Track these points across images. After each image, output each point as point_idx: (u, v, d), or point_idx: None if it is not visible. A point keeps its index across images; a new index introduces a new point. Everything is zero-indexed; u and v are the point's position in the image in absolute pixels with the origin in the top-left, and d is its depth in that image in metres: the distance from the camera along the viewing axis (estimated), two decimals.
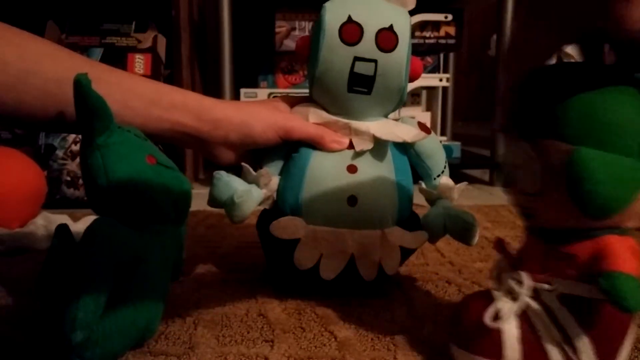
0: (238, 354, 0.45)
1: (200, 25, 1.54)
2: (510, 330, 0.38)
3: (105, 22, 1.25)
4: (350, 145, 0.56)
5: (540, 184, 0.37)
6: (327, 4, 0.55)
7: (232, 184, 0.54)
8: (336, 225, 0.54)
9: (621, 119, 0.34)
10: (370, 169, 0.56)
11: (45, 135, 1.11)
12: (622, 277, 0.33)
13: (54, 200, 1.06)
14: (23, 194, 0.78)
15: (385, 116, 0.59)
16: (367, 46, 0.53)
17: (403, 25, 0.54)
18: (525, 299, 0.38)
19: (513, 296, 0.39)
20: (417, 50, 1.39)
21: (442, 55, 1.50)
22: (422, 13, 1.30)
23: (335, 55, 0.53)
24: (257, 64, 1.41)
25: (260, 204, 0.56)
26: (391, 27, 0.54)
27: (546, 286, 0.38)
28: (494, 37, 1.50)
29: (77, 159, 1.10)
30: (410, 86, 1.28)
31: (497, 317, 0.38)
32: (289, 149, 0.58)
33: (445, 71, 1.60)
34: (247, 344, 0.46)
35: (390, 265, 0.55)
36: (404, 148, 0.59)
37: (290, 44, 1.33)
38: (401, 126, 0.58)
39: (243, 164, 0.57)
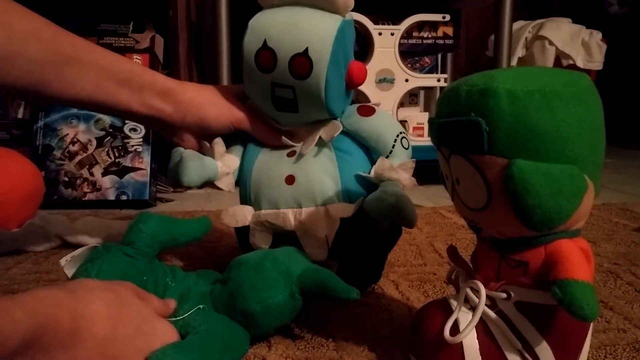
0: None
1: (198, 26, 1.54)
2: (470, 342, 0.38)
3: (103, 22, 1.25)
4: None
5: (484, 199, 0.35)
6: (251, 22, 0.54)
7: (182, 150, 0.56)
8: (278, 206, 0.55)
9: (550, 125, 0.32)
10: (311, 153, 0.56)
11: (42, 136, 1.10)
12: (576, 285, 0.32)
13: (52, 201, 1.06)
14: (21, 194, 0.78)
15: None
16: (281, 73, 0.52)
17: (320, 46, 0.51)
18: (483, 308, 0.37)
19: (470, 304, 0.39)
20: (415, 50, 1.39)
21: (439, 56, 1.50)
22: (419, 13, 1.30)
23: (256, 81, 0.54)
24: None
25: (218, 181, 0.57)
26: (306, 51, 0.52)
27: (502, 295, 0.37)
28: (492, 37, 1.51)
29: (75, 159, 1.10)
30: (408, 86, 1.30)
31: (455, 325, 0.38)
32: (245, 139, 0.60)
33: (443, 71, 1.60)
34: None
35: (332, 238, 0.54)
36: (348, 134, 0.57)
37: None
38: (328, 126, 0.56)
39: (202, 141, 0.59)
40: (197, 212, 1.00)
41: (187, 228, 0.53)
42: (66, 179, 1.09)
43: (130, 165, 1.11)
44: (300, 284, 0.45)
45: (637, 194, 1.22)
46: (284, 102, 0.55)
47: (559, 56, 1.74)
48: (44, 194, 0.85)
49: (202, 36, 1.58)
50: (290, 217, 0.55)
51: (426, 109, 1.48)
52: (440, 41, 1.38)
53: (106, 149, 1.12)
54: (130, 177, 1.11)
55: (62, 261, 0.45)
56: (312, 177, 0.55)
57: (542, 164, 0.32)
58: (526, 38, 1.77)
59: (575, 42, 1.72)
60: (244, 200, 0.58)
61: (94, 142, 1.12)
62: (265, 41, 0.52)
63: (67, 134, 1.11)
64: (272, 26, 0.53)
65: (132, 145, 1.12)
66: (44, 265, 0.69)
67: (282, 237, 0.55)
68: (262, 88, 0.54)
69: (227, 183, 0.58)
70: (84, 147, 1.11)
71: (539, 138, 0.32)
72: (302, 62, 0.52)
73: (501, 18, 1.31)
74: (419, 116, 1.38)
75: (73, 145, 1.11)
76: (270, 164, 0.57)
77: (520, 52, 1.77)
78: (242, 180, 0.59)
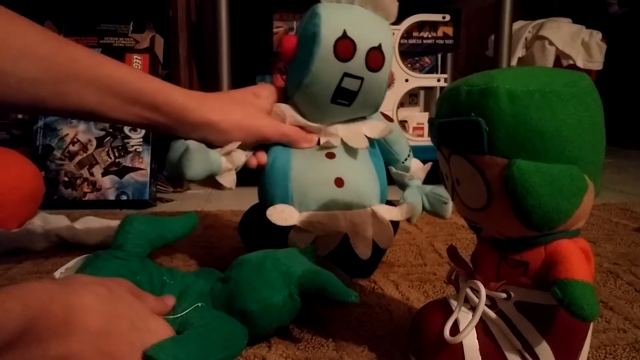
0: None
1: (198, 26, 1.54)
2: (470, 342, 0.38)
3: (103, 22, 1.25)
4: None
5: (484, 200, 0.35)
6: (321, 13, 0.54)
7: (187, 142, 0.54)
8: (328, 208, 0.56)
9: (550, 125, 0.32)
10: (346, 155, 0.58)
11: (42, 136, 1.10)
12: (576, 286, 0.32)
13: (52, 201, 1.06)
14: (21, 194, 0.78)
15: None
16: (357, 64, 0.54)
17: (389, 44, 0.56)
18: (483, 308, 0.38)
19: (470, 304, 0.39)
20: (415, 50, 1.39)
21: (439, 56, 1.50)
22: (419, 13, 1.30)
23: (327, 69, 0.54)
24: (255, 65, 1.41)
25: (219, 177, 0.56)
26: (380, 46, 0.55)
27: (502, 295, 0.37)
28: (492, 37, 1.50)
29: (75, 159, 1.10)
30: (408, 86, 1.30)
31: (455, 325, 0.38)
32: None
33: (443, 71, 1.60)
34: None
35: (384, 240, 0.58)
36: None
37: None
38: (368, 123, 0.60)
39: None
40: (197, 212, 1.00)
41: (174, 225, 0.52)
42: (66, 179, 1.09)
43: (130, 165, 1.11)
44: (300, 285, 0.45)
45: (637, 194, 1.22)
46: (345, 94, 0.56)
47: (559, 56, 1.74)
48: (44, 194, 0.85)
49: (202, 36, 1.58)
50: (340, 218, 0.56)
51: (426, 109, 1.48)
52: (440, 41, 1.38)
53: (106, 149, 1.12)
54: (130, 177, 1.11)
55: (57, 274, 0.46)
56: (359, 180, 0.58)
57: (542, 164, 0.32)
58: (526, 38, 1.77)
59: (575, 42, 1.72)
60: (280, 201, 0.57)
61: (94, 142, 1.12)
62: (345, 31, 0.53)
63: (67, 134, 1.11)
64: (348, 19, 0.54)
65: (132, 145, 1.12)
66: (44, 265, 0.69)
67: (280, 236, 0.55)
68: (331, 76, 0.54)
69: (229, 180, 0.57)
70: (84, 147, 1.11)
71: (539, 138, 0.32)
72: (377, 56, 0.55)
73: (501, 18, 1.31)
74: (419, 116, 1.38)
75: (73, 145, 1.11)
76: (313, 167, 0.57)
77: (520, 52, 1.77)
78: (274, 182, 0.58)
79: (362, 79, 0.55)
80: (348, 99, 0.56)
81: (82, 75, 0.50)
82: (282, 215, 0.55)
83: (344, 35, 0.53)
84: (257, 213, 0.58)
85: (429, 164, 0.65)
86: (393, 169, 0.64)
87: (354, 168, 0.58)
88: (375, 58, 0.55)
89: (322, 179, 0.56)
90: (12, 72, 0.47)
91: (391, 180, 0.64)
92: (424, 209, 0.62)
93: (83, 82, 0.50)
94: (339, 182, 0.56)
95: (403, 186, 0.64)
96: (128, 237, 0.48)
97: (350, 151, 0.59)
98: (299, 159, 0.58)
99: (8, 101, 0.48)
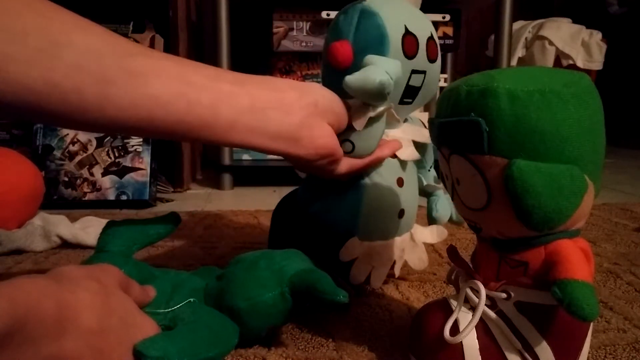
0: (235, 354, 0.45)
1: (198, 26, 1.54)
2: (470, 342, 0.38)
3: (103, 22, 1.24)
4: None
5: (484, 200, 0.35)
6: (379, 11, 0.50)
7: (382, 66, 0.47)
8: (387, 237, 0.55)
9: (550, 125, 0.32)
10: (410, 178, 0.56)
11: (42, 136, 1.10)
12: (576, 285, 0.32)
13: (52, 201, 1.06)
14: (21, 194, 0.78)
15: None
16: (420, 58, 0.51)
17: (435, 34, 0.54)
18: (483, 308, 0.37)
19: (470, 304, 0.39)
20: None
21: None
22: None
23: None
24: (255, 65, 1.41)
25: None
26: (432, 36, 0.53)
27: (502, 295, 0.37)
28: (492, 37, 1.50)
29: (75, 159, 1.10)
30: None
31: (455, 325, 0.38)
32: None
33: (443, 71, 1.60)
34: (244, 345, 0.46)
35: (421, 262, 0.59)
36: None
37: (287, 45, 1.33)
38: (422, 128, 0.59)
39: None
40: (197, 212, 1.00)
41: (155, 222, 0.51)
42: (66, 179, 1.09)
43: (130, 165, 1.11)
44: (291, 284, 0.44)
45: (637, 194, 1.22)
46: (410, 92, 0.53)
47: (559, 56, 1.74)
48: (44, 194, 0.85)
49: (202, 36, 1.58)
50: (396, 246, 0.55)
51: (426, 109, 1.48)
52: (440, 41, 1.38)
53: (106, 149, 1.12)
54: (130, 177, 1.11)
55: None
56: (414, 207, 0.57)
57: (542, 164, 0.32)
58: (526, 38, 1.77)
59: (575, 42, 1.72)
60: (345, 228, 0.54)
61: (94, 142, 1.12)
62: (406, 27, 0.50)
63: (67, 134, 1.11)
64: (402, 13, 0.51)
65: (132, 145, 1.12)
66: (44, 265, 0.69)
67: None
68: (402, 76, 0.50)
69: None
70: (84, 147, 1.11)
71: (539, 138, 0.32)
72: (433, 45, 0.53)
73: (501, 18, 1.31)
74: (419, 116, 1.38)
75: (73, 145, 1.11)
76: (385, 196, 0.54)
77: (520, 52, 1.77)
78: (344, 209, 0.54)
79: (424, 72, 0.52)
80: (412, 96, 0.53)
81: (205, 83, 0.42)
82: (350, 252, 0.54)
83: (407, 32, 0.50)
84: (288, 206, 0.58)
85: None
86: (424, 182, 0.60)
87: (413, 195, 0.56)
88: (433, 48, 0.52)
89: (390, 212, 0.54)
90: (68, 43, 0.37)
91: None
92: (449, 219, 0.60)
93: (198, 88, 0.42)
94: (401, 214, 0.55)
95: (427, 194, 0.61)
96: (109, 238, 0.48)
97: (412, 173, 0.56)
98: (375, 187, 0.53)
99: (67, 87, 0.37)
